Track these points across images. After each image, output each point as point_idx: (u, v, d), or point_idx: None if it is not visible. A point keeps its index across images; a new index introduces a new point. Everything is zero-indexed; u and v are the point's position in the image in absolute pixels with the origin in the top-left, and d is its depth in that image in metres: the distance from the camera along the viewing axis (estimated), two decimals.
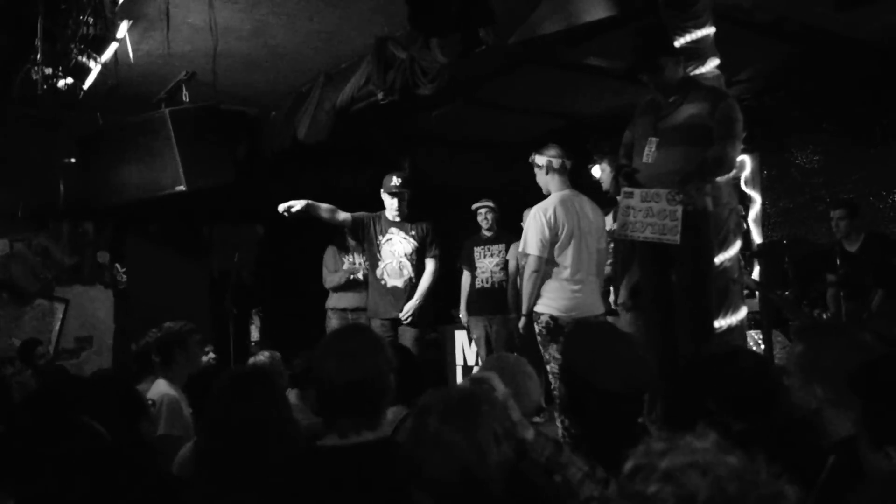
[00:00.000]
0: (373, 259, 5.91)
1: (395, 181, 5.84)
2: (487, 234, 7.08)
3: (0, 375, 4.36)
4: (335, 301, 7.20)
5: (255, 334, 8.00)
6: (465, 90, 6.30)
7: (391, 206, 5.83)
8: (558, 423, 4.11)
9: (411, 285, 5.83)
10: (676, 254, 4.00)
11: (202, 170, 6.33)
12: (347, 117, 6.31)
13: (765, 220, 8.28)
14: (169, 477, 2.76)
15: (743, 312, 4.38)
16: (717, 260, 4.26)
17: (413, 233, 5.86)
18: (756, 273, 7.56)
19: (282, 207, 5.53)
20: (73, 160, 6.89)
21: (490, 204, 7.11)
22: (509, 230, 7.02)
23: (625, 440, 1.90)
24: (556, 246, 4.75)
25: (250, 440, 2.38)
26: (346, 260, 7.26)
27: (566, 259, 4.76)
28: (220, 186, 6.47)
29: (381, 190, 5.90)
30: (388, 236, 5.85)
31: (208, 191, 6.55)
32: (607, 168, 5.86)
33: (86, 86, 5.25)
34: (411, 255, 5.85)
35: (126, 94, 6.54)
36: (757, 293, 6.22)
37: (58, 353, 7.31)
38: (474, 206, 7.14)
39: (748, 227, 8.00)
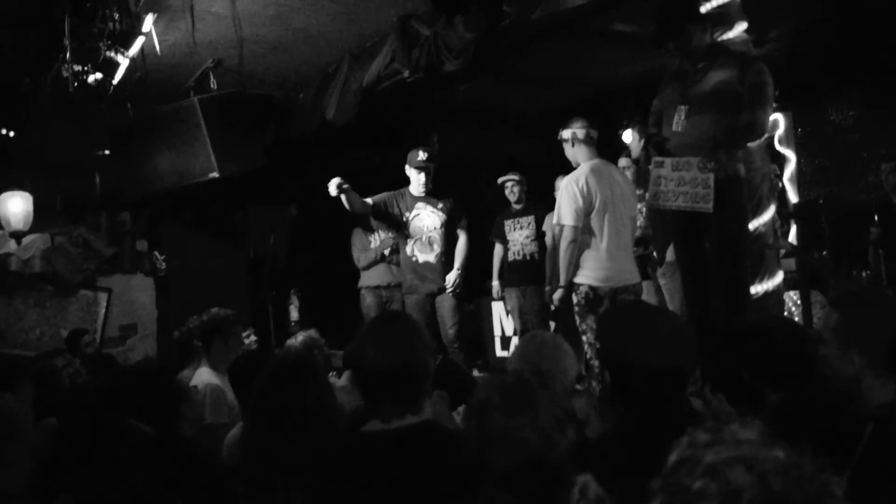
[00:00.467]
0: (402, 236, 5.97)
1: (422, 156, 5.94)
2: (516, 206, 7.11)
3: (51, 367, 4.48)
4: (367, 279, 7.28)
5: (294, 314, 8.08)
6: (491, 64, 6.25)
7: (417, 180, 5.89)
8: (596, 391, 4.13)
9: (443, 259, 5.86)
10: (709, 222, 3.97)
11: (233, 155, 6.38)
12: (374, 96, 6.31)
13: (800, 179, 8.15)
14: (214, 467, 2.83)
15: (779, 277, 4.35)
16: (752, 226, 4.24)
17: (441, 206, 5.91)
18: (793, 233, 7.47)
19: (333, 188, 5.73)
20: (106, 152, 6.98)
21: (515, 177, 7.12)
22: (537, 202, 7.01)
23: (671, 420, 1.93)
24: (592, 215, 4.72)
25: (295, 426, 2.43)
26: (372, 239, 7.33)
27: (602, 228, 4.72)
28: (251, 171, 6.52)
29: (407, 165, 5.97)
30: (415, 212, 5.93)
31: (240, 175, 6.61)
32: (636, 136, 5.82)
33: (115, 80, 5.32)
34: (440, 228, 5.92)
35: (155, 84, 6.59)
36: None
37: (104, 342, 7.46)
38: (500, 180, 7.16)
39: (783, 186, 7.89)
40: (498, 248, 7.22)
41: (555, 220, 4.97)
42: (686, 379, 2.13)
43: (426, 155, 5.95)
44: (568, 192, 4.75)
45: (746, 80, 3.93)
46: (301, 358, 3.23)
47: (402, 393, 2.22)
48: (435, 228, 5.92)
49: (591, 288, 4.65)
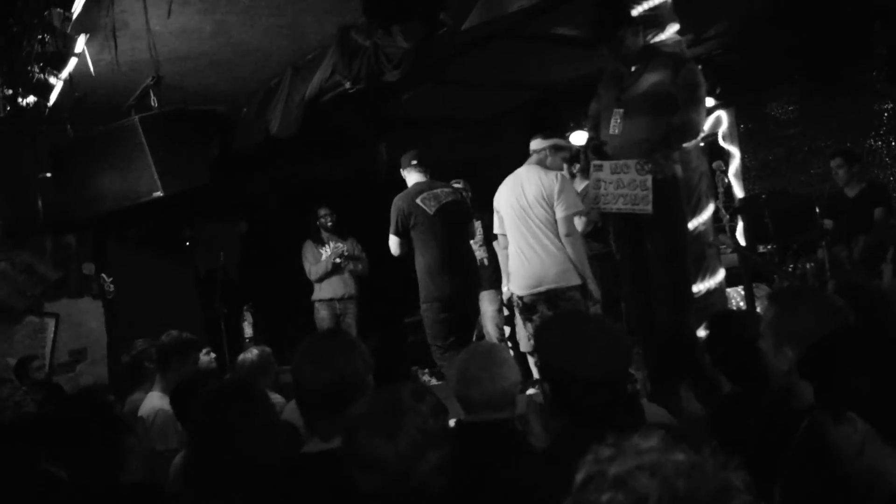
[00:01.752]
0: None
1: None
2: None
3: None
4: (320, 292, 7.26)
5: (248, 331, 7.99)
6: (432, 72, 6.28)
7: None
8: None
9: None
10: (650, 223, 4.01)
11: (177, 173, 6.29)
12: (318, 108, 6.28)
13: (745, 174, 8.28)
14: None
15: (721, 275, 4.41)
16: (691, 225, 4.29)
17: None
18: (740, 228, 7.58)
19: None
20: (48, 174, 6.85)
21: (459, 184, 6.98)
22: (484, 207, 6.98)
23: (611, 428, 1.94)
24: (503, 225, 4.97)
25: (236, 448, 2.39)
26: (323, 251, 7.32)
27: (510, 234, 4.94)
28: (197, 187, 6.45)
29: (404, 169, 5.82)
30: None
31: (186, 191, 6.53)
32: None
33: (50, 102, 5.22)
34: None
35: (95, 104, 6.50)
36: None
37: (53, 368, 7.30)
38: None
39: (729, 182, 8.01)
40: None
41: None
42: (624, 386, 2.14)
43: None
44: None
45: (679, 81, 3.98)
46: (236, 382, 3.19)
47: (338, 408, 2.20)
48: None
49: (519, 296, 4.70)
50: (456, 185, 6.82)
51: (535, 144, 5.24)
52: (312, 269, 7.20)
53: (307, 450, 2.32)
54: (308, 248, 7.39)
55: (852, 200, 6.07)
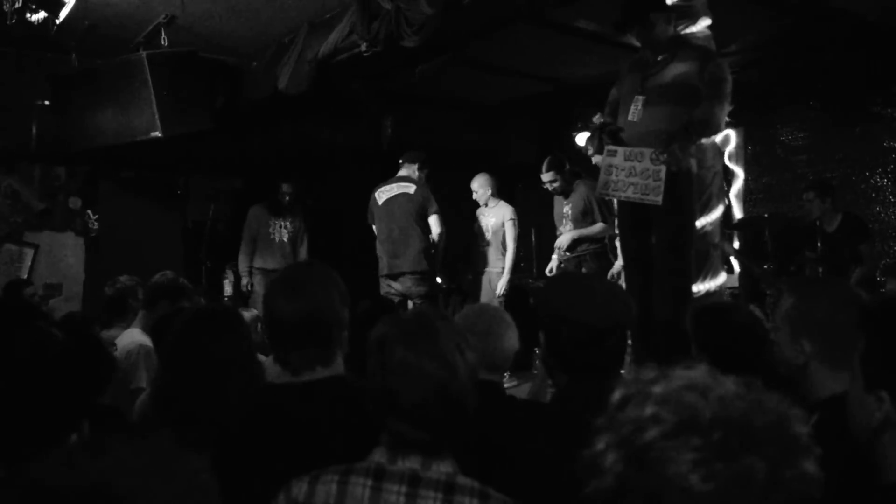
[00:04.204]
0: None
1: None
2: None
3: None
4: (263, 261, 7.33)
5: (227, 289, 7.85)
6: (451, 46, 6.17)
7: None
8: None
9: None
10: (657, 215, 3.93)
11: (178, 116, 6.19)
12: (330, 69, 6.17)
13: (746, 196, 8.23)
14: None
15: (722, 278, 4.34)
16: (699, 223, 4.21)
17: None
18: (735, 245, 7.53)
19: None
20: (46, 102, 6.71)
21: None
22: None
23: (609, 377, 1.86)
24: None
25: (209, 380, 2.28)
26: (272, 224, 7.39)
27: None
28: (197, 133, 6.34)
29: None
30: None
31: (185, 139, 6.42)
32: (556, 177, 6.16)
33: (59, 19, 5.07)
34: None
35: (103, 36, 6.39)
36: (736, 266, 6.19)
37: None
38: None
39: (730, 202, 7.96)
40: None
41: None
42: (624, 340, 2.06)
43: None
44: None
45: (706, 75, 3.91)
46: (220, 308, 3.07)
47: (312, 342, 2.11)
48: None
49: None
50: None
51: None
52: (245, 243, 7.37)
53: (276, 381, 2.22)
54: (255, 214, 7.43)
55: (832, 234, 6.01)
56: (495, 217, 6.68)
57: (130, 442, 2.17)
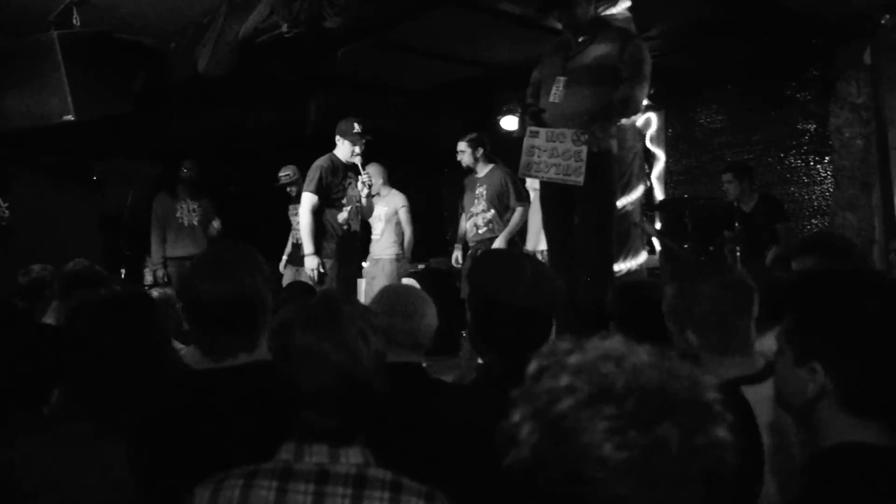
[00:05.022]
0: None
1: (357, 128, 5.80)
2: None
3: None
4: (174, 249, 7.22)
5: (148, 278, 7.64)
6: (374, 28, 6.11)
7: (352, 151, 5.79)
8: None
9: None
10: (579, 195, 3.97)
11: (94, 99, 5.98)
12: (251, 50, 6.04)
13: (668, 178, 8.40)
14: None
15: (643, 257, 4.42)
16: (620, 203, 4.28)
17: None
18: (657, 226, 7.68)
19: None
20: None
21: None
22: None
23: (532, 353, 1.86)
24: None
25: (119, 364, 2.21)
26: (178, 208, 7.28)
27: None
28: (115, 117, 6.15)
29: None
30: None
31: (102, 123, 6.21)
32: (467, 149, 6.35)
33: None
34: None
35: (12, 15, 6.12)
36: (657, 246, 6.30)
37: None
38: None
39: (651, 184, 8.10)
40: None
41: None
42: (550, 323, 2.06)
43: (361, 127, 5.83)
44: None
45: (626, 56, 3.96)
46: (136, 292, 2.99)
47: (234, 326, 2.05)
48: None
49: None
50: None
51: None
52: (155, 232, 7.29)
53: (198, 368, 2.16)
54: (160, 200, 7.32)
55: (749, 215, 6.18)
56: (388, 206, 6.88)
57: (40, 433, 2.09)
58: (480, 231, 6.27)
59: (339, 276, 5.68)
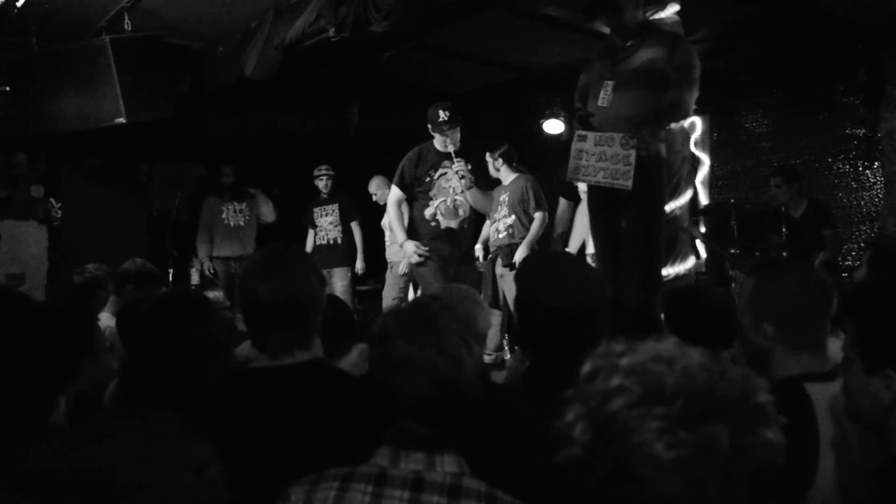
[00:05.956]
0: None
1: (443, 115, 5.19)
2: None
3: None
4: (219, 249, 7.44)
5: (195, 278, 7.76)
6: (419, 32, 6.14)
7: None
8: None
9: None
10: (627, 200, 3.96)
11: (143, 102, 6.12)
12: (296, 55, 6.10)
13: (712, 183, 8.32)
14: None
15: (691, 262, 4.39)
16: (668, 208, 4.24)
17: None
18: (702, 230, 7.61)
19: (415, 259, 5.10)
20: (6, 88, 6.57)
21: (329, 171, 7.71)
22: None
23: (578, 363, 1.86)
24: None
25: (175, 363, 2.25)
26: (224, 209, 7.50)
27: None
28: (161, 120, 6.26)
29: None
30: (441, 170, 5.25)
31: (149, 126, 6.33)
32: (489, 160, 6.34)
33: (19, 3, 4.97)
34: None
35: (64, 20, 6.26)
36: (702, 251, 6.25)
37: None
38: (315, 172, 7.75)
39: (696, 188, 8.03)
40: (311, 233, 7.82)
41: None
42: (596, 329, 2.05)
43: (447, 114, 5.18)
44: None
45: (675, 60, 3.93)
46: (187, 294, 3.04)
47: (290, 326, 2.08)
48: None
49: None
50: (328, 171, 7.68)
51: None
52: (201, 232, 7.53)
53: (254, 365, 2.19)
54: (209, 202, 7.54)
55: (798, 220, 6.10)
56: None
57: (134, 427, 2.12)
58: (500, 236, 6.36)
59: (423, 273, 5.15)
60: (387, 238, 7.32)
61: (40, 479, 1.03)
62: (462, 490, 1.48)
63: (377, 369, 1.60)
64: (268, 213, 7.70)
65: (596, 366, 1.07)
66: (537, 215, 6.20)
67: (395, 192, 5.29)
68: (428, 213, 5.15)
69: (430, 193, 5.14)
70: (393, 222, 5.29)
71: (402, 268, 6.49)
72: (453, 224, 5.14)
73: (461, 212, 5.16)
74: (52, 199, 7.48)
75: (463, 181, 4.98)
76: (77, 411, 1.97)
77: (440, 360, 1.53)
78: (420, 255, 5.00)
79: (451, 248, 5.12)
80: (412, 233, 5.19)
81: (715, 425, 0.95)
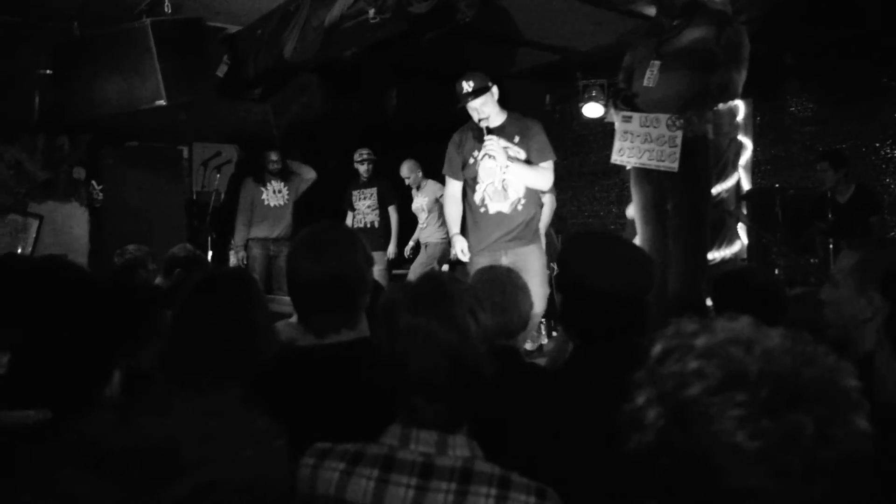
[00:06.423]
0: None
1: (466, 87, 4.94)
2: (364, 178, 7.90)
3: None
4: (256, 230, 7.47)
5: (233, 260, 7.80)
6: (459, 10, 6.07)
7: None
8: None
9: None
10: (674, 181, 3.88)
11: (183, 85, 6.11)
12: (335, 37, 6.08)
13: (755, 168, 8.17)
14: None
15: (737, 246, 4.31)
16: (715, 190, 4.17)
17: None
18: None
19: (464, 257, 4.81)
20: (48, 71, 6.63)
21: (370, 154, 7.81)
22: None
23: (626, 348, 1.81)
24: None
25: (217, 343, 2.23)
26: (263, 190, 7.51)
27: None
28: (201, 102, 6.28)
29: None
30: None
31: (188, 108, 6.36)
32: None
33: None
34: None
35: (105, 4, 6.30)
36: (744, 236, 6.15)
37: None
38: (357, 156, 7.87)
39: (739, 173, 7.90)
40: (349, 216, 7.96)
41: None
42: (641, 310, 2.00)
43: (470, 85, 4.86)
44: None
45: (723, 40, 3.85)
46: (231, 271, 3.03)
47: (337, 304, 2.08)
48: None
49: None
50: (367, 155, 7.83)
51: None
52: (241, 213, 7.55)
53: (300, 344, 2.18)
54: (247, 185, 7.55)
55: (844, 205, 5.98)
56: (427, 196, 7.73)
57: (193, 400, 2.11)
58: None
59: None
60: (421, 221, 7.40)
61: (100, 454, 1.00)
62: (474, 474, 1.42)
63: (383, 343, 1.55)
64: (307, 171, 7.74)
65: (668, 347, 1.01)
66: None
67: (449, 186, 5.00)
68: (477, 198, 4.79)
69: (477, 177, 4.77)
70: (447, 218, 5.01)
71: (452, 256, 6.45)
72: (504, 208, 4.69)
73: (511, 192, 4.68)
74: (93, 182, 7.55)
75: (498, 159, 4.58)
76: (130, 387, 1.97)
77: (442, 331, 1.47)
78: (464, 254, 4.74)
79: (499, 232, 4.68)
80: (464, 224, 4.88)
81: (800, 413, 0.89)
